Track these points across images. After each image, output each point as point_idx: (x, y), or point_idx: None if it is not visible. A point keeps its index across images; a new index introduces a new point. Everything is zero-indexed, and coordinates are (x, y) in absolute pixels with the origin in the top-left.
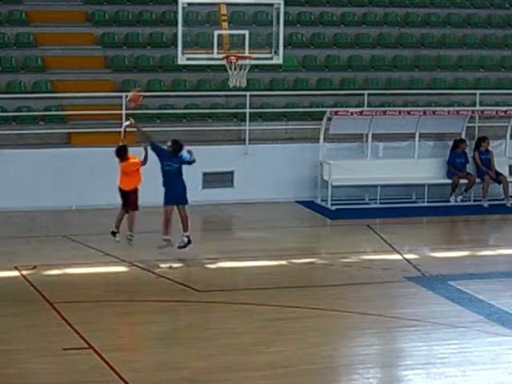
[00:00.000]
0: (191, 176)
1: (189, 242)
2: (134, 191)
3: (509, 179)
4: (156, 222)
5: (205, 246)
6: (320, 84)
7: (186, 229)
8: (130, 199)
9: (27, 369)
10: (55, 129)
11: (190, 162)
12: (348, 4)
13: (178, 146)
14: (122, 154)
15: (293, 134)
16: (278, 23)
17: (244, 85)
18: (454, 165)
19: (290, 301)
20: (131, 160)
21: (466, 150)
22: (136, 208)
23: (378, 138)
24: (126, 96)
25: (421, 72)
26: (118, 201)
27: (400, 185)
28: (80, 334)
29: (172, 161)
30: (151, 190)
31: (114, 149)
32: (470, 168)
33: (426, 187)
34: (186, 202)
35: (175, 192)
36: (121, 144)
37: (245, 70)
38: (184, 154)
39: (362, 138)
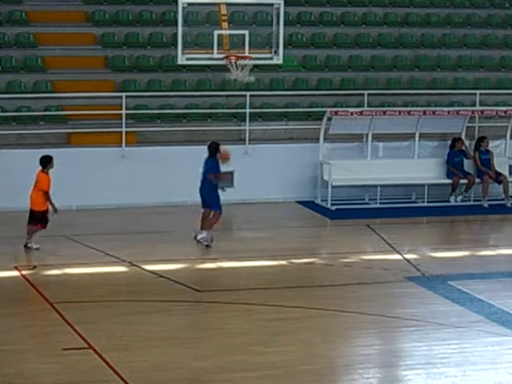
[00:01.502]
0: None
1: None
2: None
3: (509, 179)
4: (156, 222)
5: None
6: (320, 84)
7: (201, 228)
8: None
9: (27, 369)
10: (55, 129)
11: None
12: (348, 4)
13: (209, 148)
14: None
15: (293, 134)
16: (278, 23)
17: (252, 80)
18: (453, 164)
19: (289, 301)
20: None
21: (464, 149)
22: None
23: (377, 137)
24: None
25: (421, 72)
26: (117, 201)
27: (400, 185)
28: (80, 334)
29: (205, 164)
30: (151, 190)
31: (113, 149)
32: (470, 168)
33: (426, 187)
34: (209, 206)
35: (201, 195)
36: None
37: (246, 69)
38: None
39: (361, 138)
